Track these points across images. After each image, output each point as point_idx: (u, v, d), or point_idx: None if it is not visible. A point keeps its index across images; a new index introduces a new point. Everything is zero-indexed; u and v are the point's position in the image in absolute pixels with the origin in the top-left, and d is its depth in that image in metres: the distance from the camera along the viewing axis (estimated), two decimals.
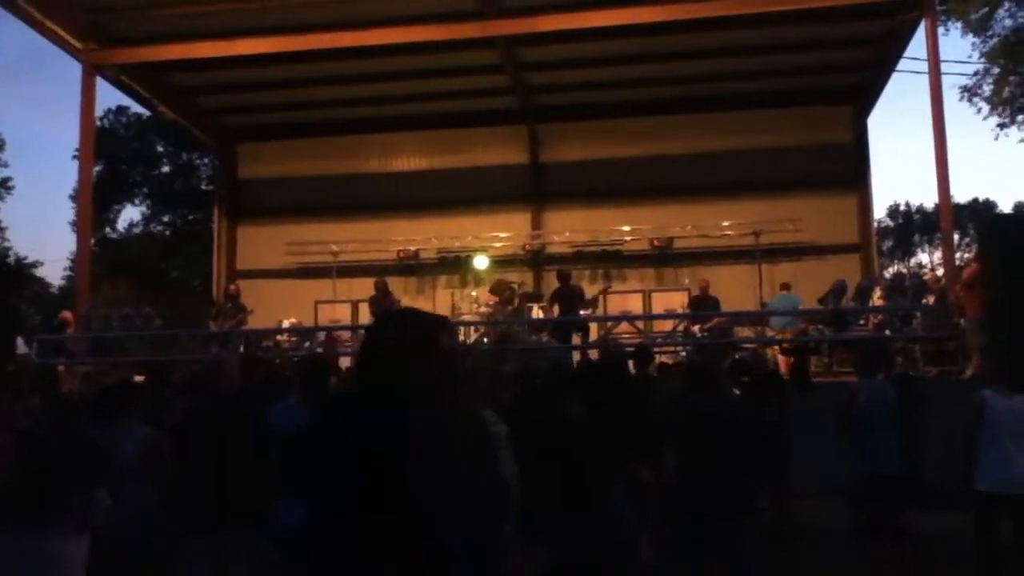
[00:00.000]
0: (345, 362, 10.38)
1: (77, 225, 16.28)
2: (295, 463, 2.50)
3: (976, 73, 24.28)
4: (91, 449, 3.69)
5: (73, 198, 30.69)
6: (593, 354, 12.12)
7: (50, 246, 75.29)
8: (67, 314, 14.26)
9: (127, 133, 34.21)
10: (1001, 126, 24.91)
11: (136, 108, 30.45)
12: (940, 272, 19.95)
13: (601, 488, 3.78)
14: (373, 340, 2.51)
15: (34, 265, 35.10)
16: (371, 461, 2.24)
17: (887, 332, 12.45)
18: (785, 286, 14.17)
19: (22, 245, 52.86)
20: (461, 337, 13.54)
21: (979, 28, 23.59)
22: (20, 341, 14.61)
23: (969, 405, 5.76)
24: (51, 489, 3.33)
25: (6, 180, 35.46)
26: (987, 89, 24.61)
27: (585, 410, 3.89)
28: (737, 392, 7.12)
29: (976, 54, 24.22)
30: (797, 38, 15.35)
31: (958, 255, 14.46)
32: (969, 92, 24.85)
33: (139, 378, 9.97)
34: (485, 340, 13.43)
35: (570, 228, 17.75)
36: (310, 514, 2.41)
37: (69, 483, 3.39)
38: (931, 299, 12.46)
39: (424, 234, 17.94)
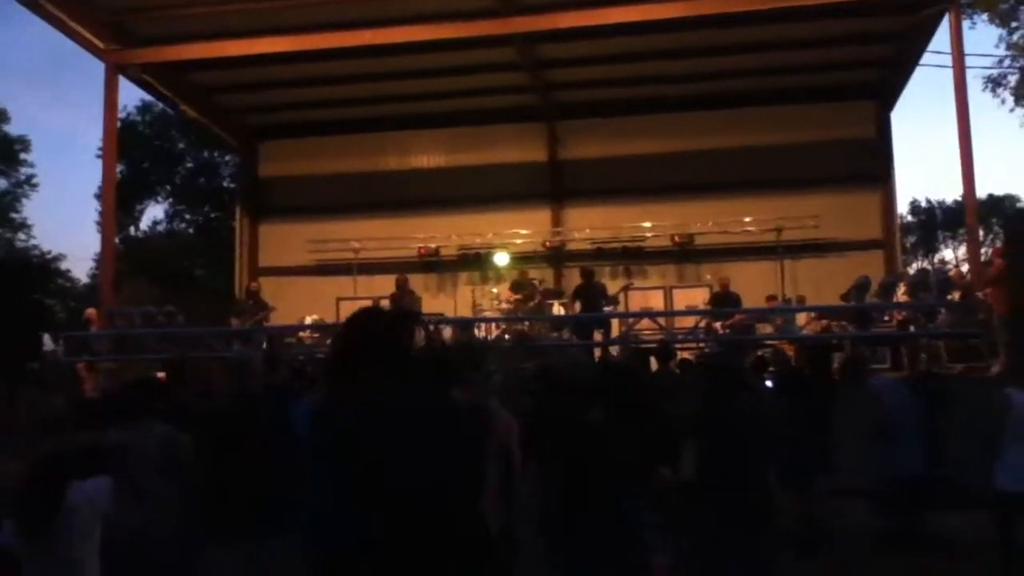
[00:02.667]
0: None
1: (101, 223, 16.40)
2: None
3: (1001, 61, 23.98)
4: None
5: (98, 196, 31.03)
6: (614, 351, 12.09)
7: (76, 243, 76.09)
8: (91, 312, 14.40)
9: (150, 131, 34.43)
10: None
11: (159, 105, 30.69)
12: (965, 268, 19.71)
13: (617, 494, 3.76)
14: (335, 341, 2.64)
15: (57, 259, 35.42)
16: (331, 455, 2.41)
17: (911, 328, 12.32)
18: (771, 298, 14.16)
19: (48, 242, 53.49)
20: (482, 334, 13.57)
21: (1006, 19, 23.25)
22: (47, 338, 14.75)
23: (993, 403, 5.68)
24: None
25: (31, 177, 35.90)
26: (1012, 79, 24.33)
27: (605, 415, 3.87)
28: (762, 390, 7.07)
29: (1003, 46, 23.96)
30: (820, 33, 15.21)
31: (983, 251, 14.28)
32: (993, 83, 24.57)
33: (161, 375, 10.03)
34: (506, 337, 13.45)
35: (590, 225, 17.71)
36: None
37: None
38: (956, 295, 12.32)
39: (444, 231, 17.96)
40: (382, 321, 2.61)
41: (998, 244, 13.02)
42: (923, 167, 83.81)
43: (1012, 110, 24.93)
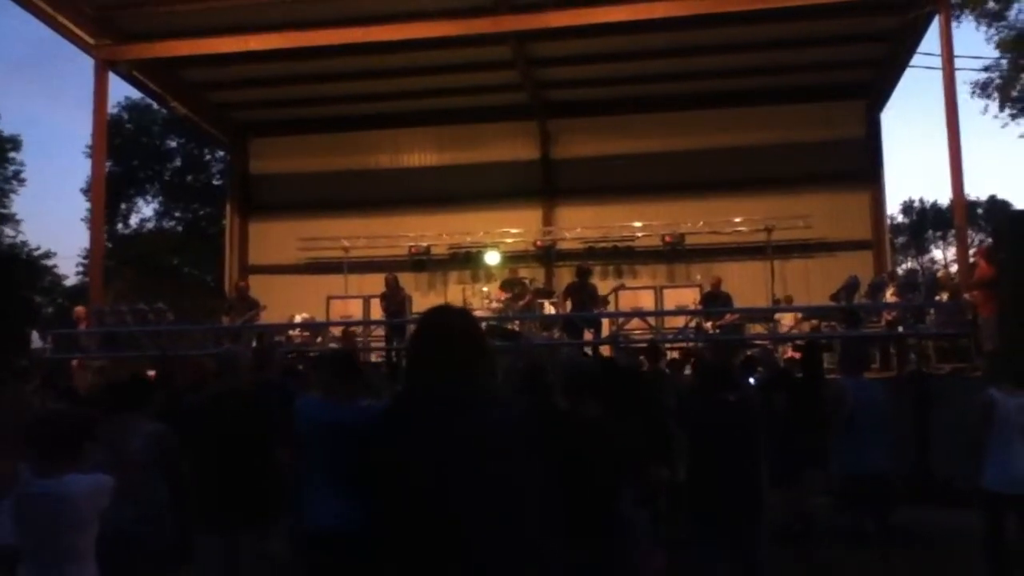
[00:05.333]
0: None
1: (90, 220, 16.34)
2: (369, 461, 2.48)
3: (987, 68, 24.11)
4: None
5: (86, 192, 30.85)
6: (605, 350, 12.09)
7: (64, 239, 75.57)
8: (80, 309, 14.33)
9: (136, 128, 34.25)
10: (1012, 116, 24.84)
11: (144, 102, 30.58)
12: (953, 268, 19.83)
13: (612, 491, 3.76)
14: (439, 333, 2.44)
15: (47, 256, 35.25)
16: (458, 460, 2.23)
17: (900, 329, 12.37)
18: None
19: (36, 238, 53.24)
20: None
21: (995, 17, 23.32)
22: (35, 335, 14.66)
23: (978, 404, 5.70)
24: None
25: (18, 173, 35.70)
26: (998, 81, 24.46)
27: (600, 411, 3.87)
28: (748, 388, 7.08)
29: (991, 45, 24.06)
30: (810, 33, 15.26)
31: (972, 251, 14.35)
32: (982, 88, 24.70)
33: (151, 373, 9.99)
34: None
35: (581, 224, 17.72)
36: (376, 512, 2.37)
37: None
38: (944, 295, 12.38)
39: (435, 229, 17.94)
40: (464, 319, 2.50)
41: (982, 245, 13.13)
42: (921, 169, 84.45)
43: (996, 116, 25.09)
